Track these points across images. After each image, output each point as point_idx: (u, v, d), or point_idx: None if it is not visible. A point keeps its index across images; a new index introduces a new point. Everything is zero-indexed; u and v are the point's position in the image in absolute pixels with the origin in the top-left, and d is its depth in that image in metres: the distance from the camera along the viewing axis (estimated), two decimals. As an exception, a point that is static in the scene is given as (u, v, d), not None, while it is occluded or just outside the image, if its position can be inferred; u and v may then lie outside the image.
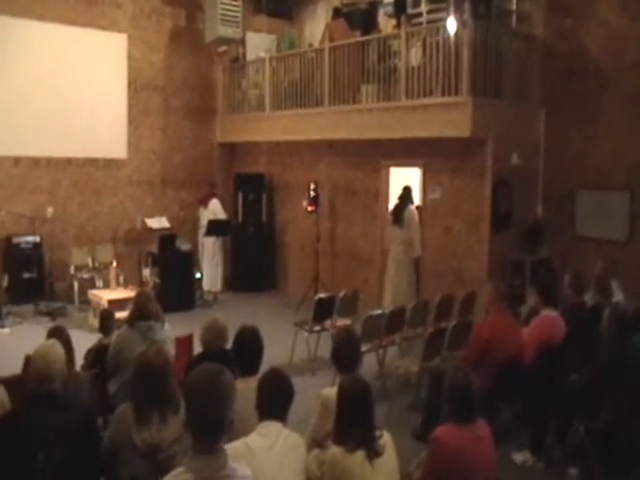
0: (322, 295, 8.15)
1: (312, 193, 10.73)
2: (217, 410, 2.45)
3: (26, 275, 10.26)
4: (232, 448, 3.01)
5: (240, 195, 12.12)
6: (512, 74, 8.81)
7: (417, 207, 9.85)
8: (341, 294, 7.95)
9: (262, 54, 11.84)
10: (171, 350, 4.98)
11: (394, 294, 9.45)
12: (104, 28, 11.40)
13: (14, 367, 4.91)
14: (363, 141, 9.90)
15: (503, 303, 5.90)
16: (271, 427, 3.21)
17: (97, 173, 11.51)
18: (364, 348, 6.52)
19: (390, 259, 9.59)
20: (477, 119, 8.15)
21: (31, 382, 3.41)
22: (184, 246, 10.98)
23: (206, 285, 11.52)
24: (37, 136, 10.67)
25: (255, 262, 12.04)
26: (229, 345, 4.38)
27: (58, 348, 3.60)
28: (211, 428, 2.46)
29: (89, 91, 11.23)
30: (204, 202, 11.95)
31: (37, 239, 10.45)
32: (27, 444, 3.15)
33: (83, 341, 5.69)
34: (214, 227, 11.28)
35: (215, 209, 11.65)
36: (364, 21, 10.53)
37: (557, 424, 5.43)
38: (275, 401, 3.29)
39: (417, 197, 9.81)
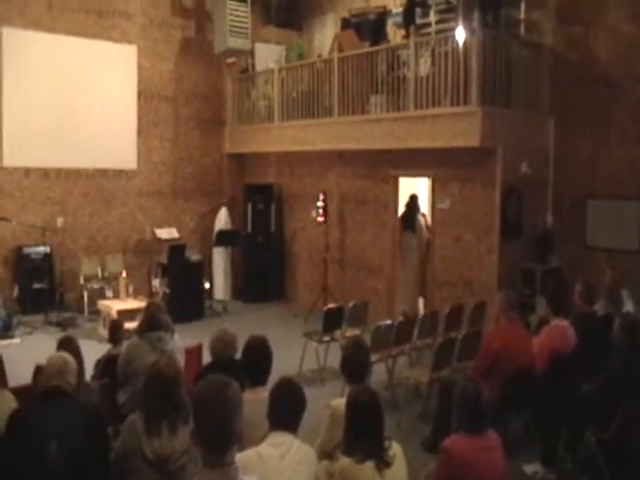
0: (331, 305, 8.16)
1: (321, 203, 10.73)
2: (225, 423, 2.42)
3: (36, 285, 10.29)
4: (243, 457, 3.00)
5: (249, 205, 12.13)
6: (521, 83, 8.80)
7: (423, 215, 10.02)
8: (350, 304, 7.95)
9: (271, 65, 11.88)
10: (181, 360, 4.99)
11: (409, 298, 9.62)
12: (114, 40, 11.49)
13: (24, 377, 4.93)
14: (372, 151, 9.90)
15: (513, 313, 5.86)
16: (282, 438, 3.20)
17: (107, 184, 11.57)
18: (373, 358, 6.51)
19: (405, 265, 9.69)
20: (486, 128, 8.14)
21: (46, 376, 3.46)
22: (193, 256, 11.02)
23: (218, 294, 11.61)
24: (47, 147, 10.74)
25: (264, 272, 12.05)
26: (238, 355, 4.37)
27: (71, 357, 3.71)
28: (220, 441, 2.42)
29: (99, 102, 11.30)
30: (216, 212, 12.09)
31: (47, 249, 10.49)
32: (40, 436, 3.18)
33: (93, 351, 5.70)
34: (223, 237, 11.34)
35: (221, 217, 11.80)
36: (373, 31, 10.55)
37: (568, 435, 5.39)
38: (287, 412, 3.27)
39: (426, 207, 9.84)
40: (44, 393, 3.44)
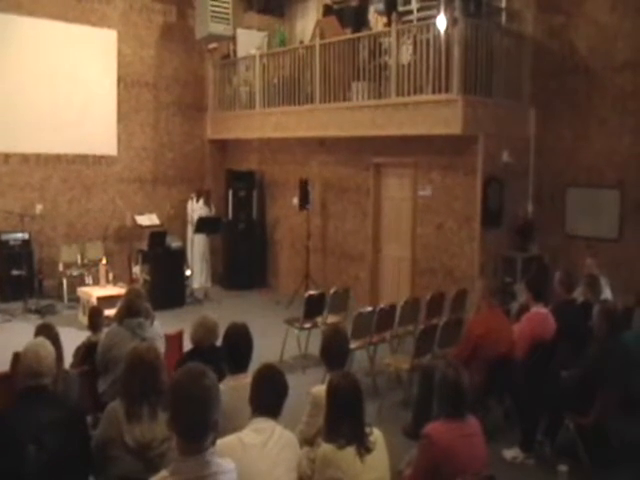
0: (313, 292, 8.15)
1: (303, 190, 10.70)
2: (202, 413, 2.42)
3: (15, 272, 10.19)
4: (225, 443, 2.99)
5: (231, 192, 12.07)
6: (503, 72, 8.82)
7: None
8: (332, 291, 7.95)
9: (253, 51, 11.80)
10: (161, 347, 4.96)
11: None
12: (94, 24, 11.34)
13: (2, 364, 4.89)
14: (354, 138, 9.89)
15: (494, 300, 5.90)
16: (265, 424, 3.19)
17: (87, 170, 11.46)
18: (355, 345, 6.54)
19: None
20: (468, 117, 8.15)
21: (21, 377, 3.40)
22: (174, 243, 10.97)
23: (196, 283, 11.57)
24: (27, 132, 10.60)
25: (246, 259, 12.01)
26: (219, 342, 4.36)
27: (48, 345, 3.60)
28: (196, 431, 2.42)
29: (79, 87, 11.17)
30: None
31: (26, 236, 10.39)
32: (17, 438, 3.13)
33: (72, 339, 5.65)
34: (204, 224, 11.28)
35: (193, 206, 12.07)
36: (355, 18, 10.52)
37: (547, 420, 5.44)
38: (270, 397, 3.27)
39: (409, 194, 9.82)
40: (21, 393, 3.38)
